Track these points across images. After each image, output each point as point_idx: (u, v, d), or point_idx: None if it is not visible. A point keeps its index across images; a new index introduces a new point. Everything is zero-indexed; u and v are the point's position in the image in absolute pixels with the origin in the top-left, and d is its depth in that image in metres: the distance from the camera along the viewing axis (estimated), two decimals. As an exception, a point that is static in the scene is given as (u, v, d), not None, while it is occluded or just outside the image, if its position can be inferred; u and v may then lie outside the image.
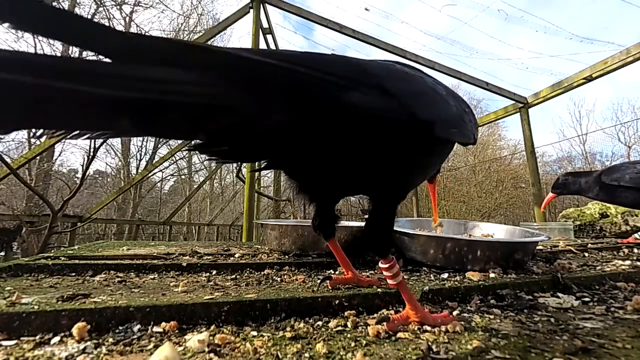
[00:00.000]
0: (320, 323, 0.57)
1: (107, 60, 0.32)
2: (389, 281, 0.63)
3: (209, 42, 4.77)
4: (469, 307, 0.67)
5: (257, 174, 6.00)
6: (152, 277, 0.85)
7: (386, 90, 0.48)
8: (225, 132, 0.39)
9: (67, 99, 0.31)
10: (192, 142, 0.43)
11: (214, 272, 0.92)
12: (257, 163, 0.51)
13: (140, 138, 13.14)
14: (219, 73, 0.36)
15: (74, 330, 0.48)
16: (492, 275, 0.87)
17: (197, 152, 0.44)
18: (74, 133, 0.34)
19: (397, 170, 0.58)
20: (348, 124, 0.46)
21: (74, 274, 0.85)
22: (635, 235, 1.68)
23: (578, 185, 1.88)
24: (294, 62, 0.40)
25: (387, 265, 0.62)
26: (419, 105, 0.51)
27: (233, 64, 0.36)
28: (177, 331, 0.51)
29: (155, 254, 1.08)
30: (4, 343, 0.46)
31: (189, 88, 0.34)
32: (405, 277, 0.87)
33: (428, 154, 0.61)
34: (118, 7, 9.81)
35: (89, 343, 0.46)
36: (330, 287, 0.71)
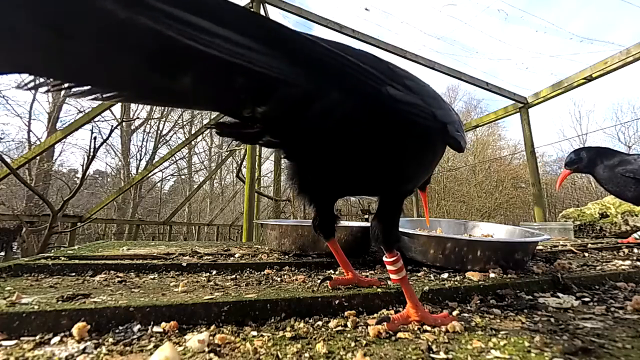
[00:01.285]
0: (320, 323, 0.57)
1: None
2: (392, 276, 0.63)
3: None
4: (469, 307, 0.67)
5: (257, 174, 6.00)
6: (152, 277, 0.85)
7: (410, 89, 0.51)
8: (272, 107, 0.40)
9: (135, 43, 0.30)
10: (224, 119, 0.44)
11: (214, 272, 0.92)
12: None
13: (140, 138, 13.15)
14: (286, 50, 0.37)
15: (74, 330, 0.48)
16: (492, 275, 0.87)
17: (219, 131, 0.46)
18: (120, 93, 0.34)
19: (413, 165, 0.60)
20: (386, 114, 0.48)
21: (74, 274, 0.85)
22: (635, 235, 1.67)
23: (595, 164, 1.76)
24: (346, 52, 0.42)
25: (391, 260, 0.62)
26: (436, 107, 0.54)
27: (300, 45, 0.38)
28: (177, 331, 0.51)
29: (155, 254, 1.08)
30: (4, 343, 0.46)
31: (255, 56, 0.35)
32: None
33: (436, 153, 0.64)
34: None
35: (89, 343, 0.46)
36: (330, 287, 0.71)
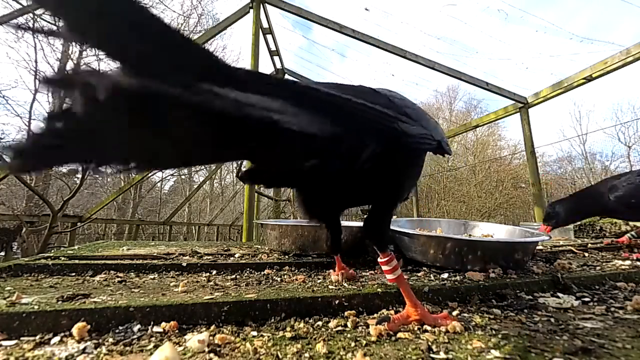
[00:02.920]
0: (320, 323, 0.57)
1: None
2: (388, 276, 0.65)
3: (209, 42, 4.76)
4: (469, 307, 0.67)
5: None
6: (152, 277, 0.85)
7: (410, 116, 0.53)
8: (302, 157, 0.42)
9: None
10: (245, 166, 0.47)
11: (214, 272, 0.92)
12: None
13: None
14: (319, 111, 0.39)
15: (74, 330, 0.48)
16: (492, 275, 0.87)
17: (245, 178, 0.50)
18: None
19: (409, 179, 0.65)
20: (400, 148, 0.52)
21: (74, 274, 0.85)
22: (628, 235, 1.64)
23: (566, 214, 1.65)
24: (354, 95, 0.44)
25: (385, 260, 0.65)
26: (431, 129, 0.59)
27: (320, 98, 0.40)
28: (177, 331, 0.51)
29: (155, 254, 1.08)
30: (4, 343, 0.46)
31: (296, 120, 0.36)
32: (406, 277, 0.87)
33: (423, 164, 0.73)
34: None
35: (89, 343, 0.46)
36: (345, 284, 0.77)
